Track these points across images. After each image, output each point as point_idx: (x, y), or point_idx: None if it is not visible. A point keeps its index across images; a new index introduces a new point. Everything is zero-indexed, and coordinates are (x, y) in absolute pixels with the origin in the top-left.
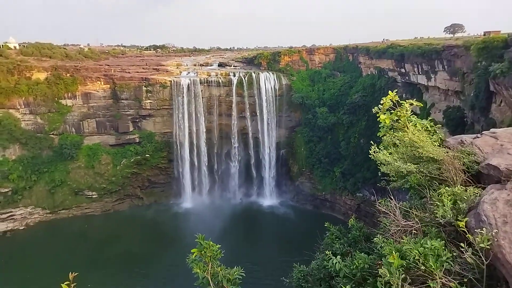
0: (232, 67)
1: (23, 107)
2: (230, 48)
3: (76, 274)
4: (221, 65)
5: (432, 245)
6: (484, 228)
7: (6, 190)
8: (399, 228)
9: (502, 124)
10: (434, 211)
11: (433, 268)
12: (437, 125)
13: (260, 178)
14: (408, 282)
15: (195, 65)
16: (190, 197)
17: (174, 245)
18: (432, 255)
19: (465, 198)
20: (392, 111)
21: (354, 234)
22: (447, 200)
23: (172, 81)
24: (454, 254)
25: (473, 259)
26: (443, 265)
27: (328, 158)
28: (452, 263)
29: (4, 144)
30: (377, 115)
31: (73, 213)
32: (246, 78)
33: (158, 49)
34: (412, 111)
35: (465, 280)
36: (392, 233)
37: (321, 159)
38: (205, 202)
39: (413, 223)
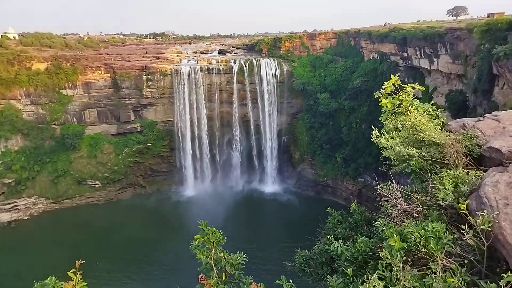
0: (232, 54)
1: (24, 97)
2: (231, 34)
3: (82, 261)
4: (221, 52)
5: (433, 228)
6: (485, 210)
7: (10, 180)
8: (400, 211)
9: (505, 107)
10: (436, 194)
11: (434, 251)
12: (439, 109)
13: (262, 165)
14: (409, 264)
15: (195, 52)
16: (192, 185)
17: (178, 232)
18: (433, 237)
19: (467, 181)
20: (394, 96)
21: (356, 218)
22: (449, 183)
23: (173, 69)
24: (455, 236)
25: (473, 241)
26: (444, 247)
27: (329, 144)
28: (453, 245)
29: (6, 135)
30: (379, 99)
31: (76, 203)
32: (247, 65)
33: (158, 37)
34: (414, 95)
35: (466, 261)
36: (394, 216)
37: (322, 145)
38: (207, 190)
39: (414, 207)
